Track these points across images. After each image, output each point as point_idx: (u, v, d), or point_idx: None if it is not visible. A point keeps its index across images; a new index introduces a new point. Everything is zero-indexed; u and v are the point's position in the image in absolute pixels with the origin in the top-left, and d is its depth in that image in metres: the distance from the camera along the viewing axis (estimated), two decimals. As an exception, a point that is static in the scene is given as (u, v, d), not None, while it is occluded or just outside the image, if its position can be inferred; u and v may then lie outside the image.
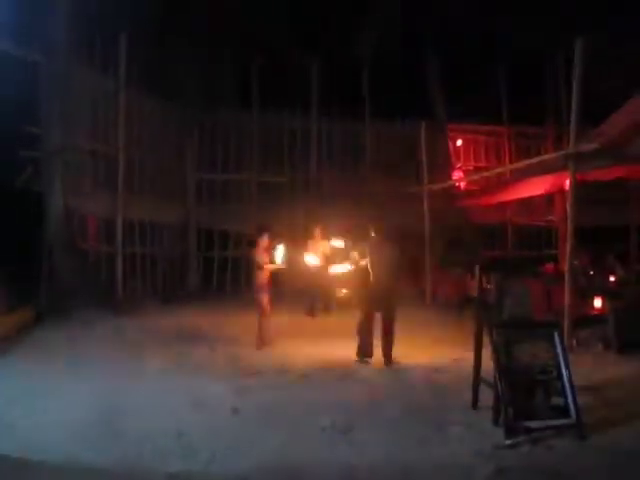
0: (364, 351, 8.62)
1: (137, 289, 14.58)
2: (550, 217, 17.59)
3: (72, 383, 7.21)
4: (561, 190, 12.54)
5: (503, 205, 16.83)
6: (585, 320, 9.51)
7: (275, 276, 10.86)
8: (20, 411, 6.12)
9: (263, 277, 9.96)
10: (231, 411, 6.22)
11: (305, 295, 12.98)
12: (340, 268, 9.97)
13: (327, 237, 12.50)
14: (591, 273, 11.84)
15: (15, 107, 11.38)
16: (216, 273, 16.71)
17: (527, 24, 15.73)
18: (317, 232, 12.77)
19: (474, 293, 6.69)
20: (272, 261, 10.06)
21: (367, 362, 8.53)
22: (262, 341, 9.76)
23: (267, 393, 6.97)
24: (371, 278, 8.63)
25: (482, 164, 18.43)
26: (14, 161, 12.05)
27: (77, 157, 13.12)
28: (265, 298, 9.93)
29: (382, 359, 8.49)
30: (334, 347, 9.38)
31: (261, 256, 10.01)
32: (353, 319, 8.95)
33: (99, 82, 13.95)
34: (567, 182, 9.60)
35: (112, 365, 8.18)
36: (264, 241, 10.15)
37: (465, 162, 18.48)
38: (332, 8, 16.24)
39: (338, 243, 11.85)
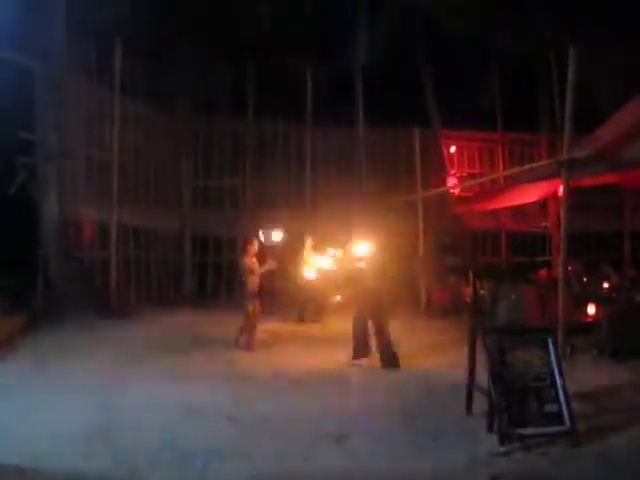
0: (358, 352, 8.64)
1: (132, 294, 14.56)
2: (544, 223, 17.64)
3: (66, 392, 7.19)
4: (555, 196, 12.60)
5: (497, 211, 16.88)
6: (579, 327, 9.53)
7: (268, 282, 10.92)
8: (15, 419, 6.10)
9: (254, 283, 10.00)
10: (226, 419, 6.22)
11: (297, 302, 12.94)
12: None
13: (319, 246, 12.53)
14: (585, 280, 11.88)
15: (11, 113, 11.39)
16: (211, 278, 16.70)
17: (521, 31, 15.80)
18: (309, 242, 12.74)
19: (468, 299, 6.72)
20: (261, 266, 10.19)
21: (360, 364, 8.55)
22: (250, 345, 9.79)
23: (263, 400, 6.97)
24: (361, 282, 8.70)
25: (476, 171, 18.46)
26: (9, 167, 12.04)
27: (72, 163, 13.12)
28: (255, 304, 9.97)
29: (380, 363, 8.51)
30: (330, 353, 9.38)
31: (251, 262, 10.05)
32: (348, 325, 8.97)
33: (95, 89, 13.96)
34: (560, 188, 9.63)
35: (107, 372, 8.16)
36: (253, 247, 10.21)
37: (459, 169, 18.49)
38: (328, 14, 16.30)
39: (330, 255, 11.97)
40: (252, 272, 10.00)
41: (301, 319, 12.64)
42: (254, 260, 10.16)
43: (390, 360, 8.48)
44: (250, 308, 9.93)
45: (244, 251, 10.38)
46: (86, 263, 13.46)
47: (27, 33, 11.80)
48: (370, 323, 8.67)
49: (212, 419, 6.25)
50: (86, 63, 13.73)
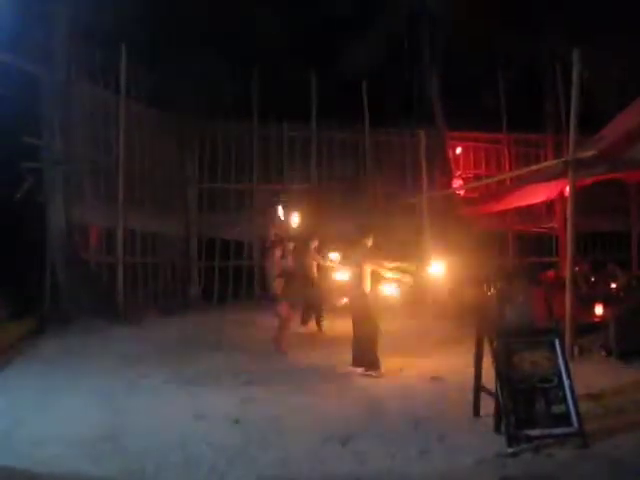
0: (368, 363, 8.54)
1: (138, 299, 14.57)
2: (551, 224, 17.60)
3: (73, 395, 7.20)
4: (561, 197, 12.57)
5: (503, 212, 16.84)
6: (586, 327, 9.49)
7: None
8: (22, 424, 6.11)
9: (280, 285, 9.99)
10: (233, 422, 6.21)
11: (304, 305, 12.80)
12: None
13: (323, 249, 12.46)
14: (592, 280, 11.84)
15: (16, 118, 11.42)
16: (217, 282, 16.71)
17: (527, 32, 15.80)
18: (315, 245, 12.60)
19: (475, 301, 6.70)
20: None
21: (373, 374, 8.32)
22: (280, 346, 9.75)
23: (269, 404, 6.96)
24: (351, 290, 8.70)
25: (482, 172, 18.41)
26: (15, 172, 12.08)
27: (78, 168, 13.16)
28: (284, 305, 9.95)
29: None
30: (335, 356, 9.35)
31: (277, 264, 10.06)
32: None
33: (99, 93, 14.00)
34: (567, 189, 9.60)
35: (113, 376, 8.17)
36: (278, 250, 10.21)
37: (465, 170, 18.46)
38: (333, 18, 16.32)
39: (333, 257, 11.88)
40: (278, 275, 10.03)
41: (306, 322, 12.45)
42: (279, 263, 10.17)
43: (360, 361, 8.39)
44: (281, 309, 9.99)
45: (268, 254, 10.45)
46: (92, 267, 13.48)
47: (31, 37, 11.85)
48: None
49: (219, 422, 6.25)
50: (90, 67, 13.76)
